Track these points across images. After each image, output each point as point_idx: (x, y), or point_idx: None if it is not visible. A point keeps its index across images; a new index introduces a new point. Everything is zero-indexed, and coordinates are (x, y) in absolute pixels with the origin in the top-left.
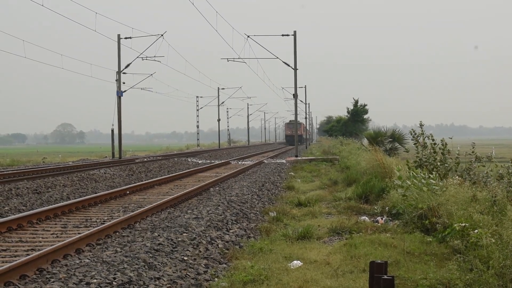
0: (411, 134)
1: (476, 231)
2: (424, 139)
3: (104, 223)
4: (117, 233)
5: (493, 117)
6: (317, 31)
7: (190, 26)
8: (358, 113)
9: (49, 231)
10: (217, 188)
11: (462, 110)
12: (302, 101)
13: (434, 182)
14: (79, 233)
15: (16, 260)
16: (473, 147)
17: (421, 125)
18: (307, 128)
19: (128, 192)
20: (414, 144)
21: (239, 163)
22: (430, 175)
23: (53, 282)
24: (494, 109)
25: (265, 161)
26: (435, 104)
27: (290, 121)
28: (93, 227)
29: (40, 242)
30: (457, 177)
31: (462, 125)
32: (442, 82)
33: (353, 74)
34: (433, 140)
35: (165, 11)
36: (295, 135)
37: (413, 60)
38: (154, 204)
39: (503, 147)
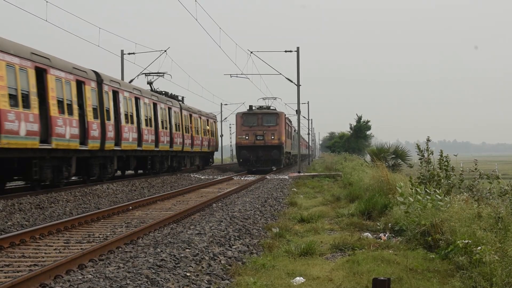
0: (418, 149)
1: (479, 248)
2: (429, 155)
3: (107, 239)
4: (120, 249)
5: (496, 133)
6: (321, 47)
7: (193, 42)
8: (361, 129)
9: (52, 246)
10: (219, 203)
11: (464, 126)
12: (305, 117)
13: (440, 197)
14: (82, 249)
15: (18, 276)
16: (476, 164)
17: (428, 140)
18: (309, 143)
19: (131, 207)
20: (419, 159)
21: (242, 178)
22: (436, 190)
23: None
24: (497, 126)
25: (267, 177)
26: (438, 120)
27: (251, 108)
28: (96, 242)
29: (43, 258)
30: (464, 193)
31: (465, 142)
32: (444, 99)
33: (357, 90)
34: (441, 155)
35: (169, 27)
36: (266, 143)
37: (415, 77)
38: (157, 219)
39: (506, 164)
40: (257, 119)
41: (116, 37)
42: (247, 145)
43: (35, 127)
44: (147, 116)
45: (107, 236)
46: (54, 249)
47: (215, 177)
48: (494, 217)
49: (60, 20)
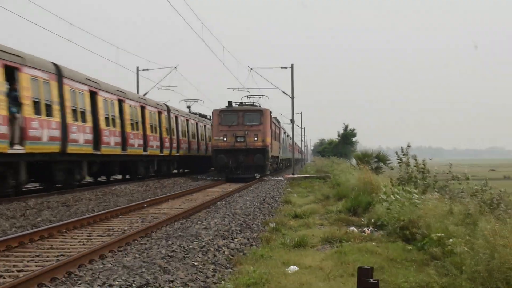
0: (397, 155)
1: (451, 240)
2: (408, 159)
3: (124, 233)
4: (136, 241)
5: (466, 141)
6: (316, 61)
7: (201, 59)
8: (347, 136)
9: (76, 239)
10: (223, 202)
11: (438, 134)
12: (298, 126)
13: (416, 196)
14: (102, 241)
15: (47, 265)
16: (450, 167)
17: (408, 146)
18: (302, 148)
19: (145, 205)
20: (398, 163)
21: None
22: (412, 189)
23: (80, 284)
24: (467, 133)
25: (265, 178)
26: (415, 127)
27: (230, 104)
28: (115, 236)
29: (69, 249)
30: (436, 193)
31: (438, 147)
32: (419, 108)
33: (344, 100)
34: (416, 160)
35: (179, 45)
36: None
37: (399, 92)
38: (168, 216)
39: (475, 167)
40: (238, 117)
41: (132, 55)
42: (225, 148)
43: (90, 137)
44: (192, 132)
45: (124, 230)
46: (78, 242)
47: (220, 178)
48: (464, 214)
49: (84, 40)
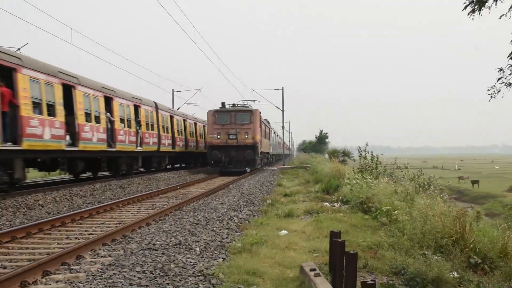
0: (358, 151)
1: (396, 212)
2: (365, 154)
3: (163, 207)
4: (172, 213)
5: (407, 139)
6: (303, 78)
7: (218, 82)
8: (322, 138)
9: (129, 212)
10: (234, 185)
11: (387, 134)
12: (287, 131)
13: (371, 180)
14: (148, 213)
15: (109, 230)
16: (395, 160)
17: (366, 145)
18: (290, 146)
19: (178, 187)
20: (358, 157)
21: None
22: (368, 176)
23: (132, 243)
24: (408, 133)
25: (264, 168)
26: (369, 128)
27: (223, 105)
28: (157, 209)
29: (124, 219)
30: (385, 178)
31: (387, 146)
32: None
33: (323, 107)
34: (371, 155)
35: (202, 72)
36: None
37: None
38: (195, 195)
39: (413, 160)
40: (230, 117)
41: (169, 80)
42: (219, 145)
43: (104, 136)
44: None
45: (164, 205)
46: (131, 213)
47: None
48: (405, 193)
49: (135, 69)
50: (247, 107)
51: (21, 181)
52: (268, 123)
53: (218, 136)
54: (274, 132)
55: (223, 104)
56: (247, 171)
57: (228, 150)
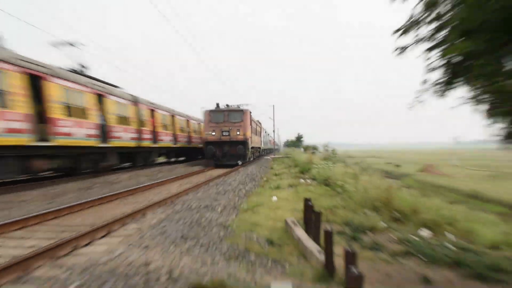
0: (323, 147)
1: (347, 185)
2: (327, 149)
3: (198, 183)
4: (202, 186)
5: (358, 135)
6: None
7: (223, 99)
8: (299, 138)
9: (174, 186)
10: (242, 168)
11: (343, 131)
12: (277, 134)
13: (331, 165)
14: (186, 187)
15: (161, 198)
16: (347, 152)
17: (328, 142)
18: (278, 143)
19: (205, 170)
20: (324, 150)
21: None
22: (329, 162)
23: (177, 205)
24: (357, 131)
25: (264, 157)
26: (331, 129)
27: (217, 106)
28: (192, 184)
29: (171, 190)
30: (341, 163)
31: (341, 142)
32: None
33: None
34: (332, 150)
35: (214, 93)
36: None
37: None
38: (217, 175)
39: (358, 152)
40: (224, 116)
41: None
42: (214, 141)
43: (151, 136)
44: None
45: (198, 182)
46: (175, 187)
47: (210, 164)
48: (353, 173)
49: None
50: (239, 107)
51: (113, 166)
52: (260, 123)
53: (213, 133)
54: (265, 131)
55: (217, 104)
56: (239, 163)
57: (222, 145)
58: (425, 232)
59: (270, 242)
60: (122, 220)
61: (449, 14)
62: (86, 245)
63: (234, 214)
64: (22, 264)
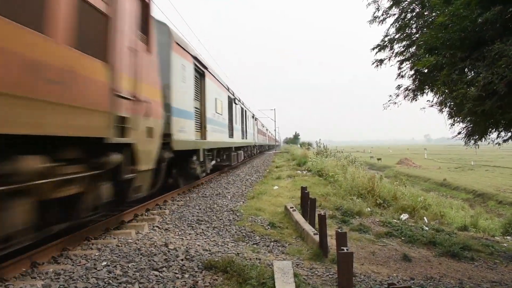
0: (316, 143)
1: (337, 175)
2: (320, 144)
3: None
4: (214, 177)
5: (345, 134)
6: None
7: None
8: (296, 136)
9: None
10: (248, 161)
11: (335, 129)
12: (279, 133)
13: (324, 159)
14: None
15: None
16: (336, 148)
17: (319, 139)
18: (279, 141)
19: (226, 169)
20: (317, 146)
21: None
22: (322, 156)
23: (193, 193)
24: (348, 130)
25: (266, 152)
26: (322, 126)
27: None
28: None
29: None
30: (332, 157)
31: (330, 140)
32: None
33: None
34: (324, 145)
35: None
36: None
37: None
38: (225, 169)
39: (346, 148)
40: None
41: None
42: None
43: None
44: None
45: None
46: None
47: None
48: (342, 165)
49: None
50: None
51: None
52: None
53: None
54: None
55: None
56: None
57: None
58: (404, 216)
59: (272, 225)
60: (145, 206)
61: (416, 35)
62: None
63: (242, 200)
64: None
